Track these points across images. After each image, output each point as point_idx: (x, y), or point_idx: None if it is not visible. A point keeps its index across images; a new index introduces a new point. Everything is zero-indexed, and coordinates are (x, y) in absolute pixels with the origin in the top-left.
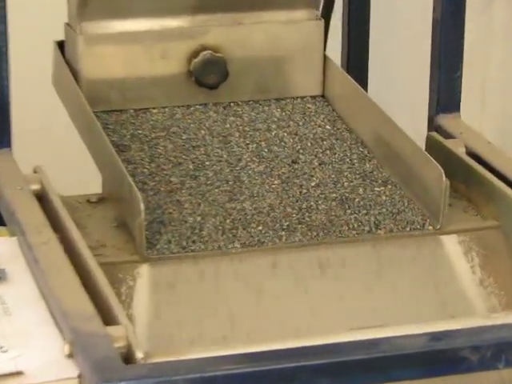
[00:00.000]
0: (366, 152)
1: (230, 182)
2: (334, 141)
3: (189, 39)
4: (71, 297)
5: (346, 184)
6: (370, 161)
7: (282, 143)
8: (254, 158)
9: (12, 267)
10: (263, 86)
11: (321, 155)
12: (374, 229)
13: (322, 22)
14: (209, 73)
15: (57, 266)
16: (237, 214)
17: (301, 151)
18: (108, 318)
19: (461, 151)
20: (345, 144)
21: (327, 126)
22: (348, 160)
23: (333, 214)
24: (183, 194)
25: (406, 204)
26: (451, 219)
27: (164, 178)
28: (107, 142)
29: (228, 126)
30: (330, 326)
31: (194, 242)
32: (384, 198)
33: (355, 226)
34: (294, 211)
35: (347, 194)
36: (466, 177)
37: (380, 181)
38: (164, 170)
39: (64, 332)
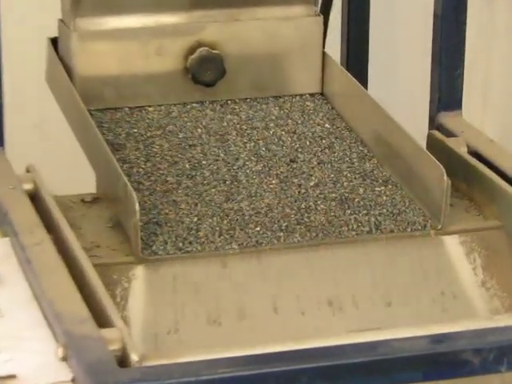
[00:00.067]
0: (366, 151)
1: (227, 182)
2: (333, 139)
3: (185, 35)
4: (65, 299)
5: (345, 184)
6: (369, 160)
7: (280, 142)
8: (252, 157)
9: (4, 268)
10: (261, 83)
11: (320, 154)
12: (374, 230)
13: (320, 18)
14: (205, 70)
15: (50, 267)
16: (234, 214)
17: (299, 150)
18: (102, 321)
19: (462, 150)
20: (344, 143)
21: (326, 125)
22: (347, 159)
23: (332, 214)
24: (179, 193)
25: (407, 204)
26: (453, 219)
27: (160, 177)
28: (102, 141)
29: (225, 124)
30: (328, 328)
31: (190, 243)
32: (384, 198)
33: (355, 226)
34: (293, 211)
35: (347, 194)
36: (468, 176)
37: (380, 180)
38: (160, 169)
39: (57, 335)
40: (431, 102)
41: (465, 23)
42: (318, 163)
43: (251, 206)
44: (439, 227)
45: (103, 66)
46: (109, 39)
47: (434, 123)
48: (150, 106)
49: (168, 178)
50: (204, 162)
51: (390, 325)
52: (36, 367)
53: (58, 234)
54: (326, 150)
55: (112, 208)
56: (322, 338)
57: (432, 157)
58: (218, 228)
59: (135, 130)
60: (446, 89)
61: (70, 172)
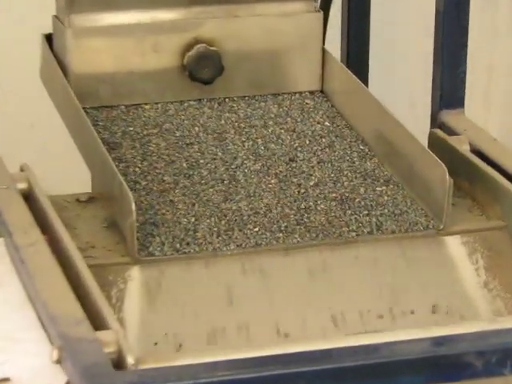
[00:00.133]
0: (367, 150)
1: (226, 181)
2: (333, 138)
3: (182, 32)
4: (59, 300)
5: (346, 183)
6: (370, 159)
7: (280, 140)
8: (250, 156)
9: None
10: (260, 80)
11: (320, 153)
12: (375, 230)
13: (320, 14)
14: (203, 67)
15: (44, 268)
16: (232, 214)
17: (299, 149)
18: (98, 323)
19: (465, 148)
20: (345, 141)
21: (326, 123)
22: (348, 158)
23: (332, 214)
24: (176, 193)
25: (408, 204)
26: (455, 219)
27: (156, 176)
28: (97, 140)
29: (223, 122)
30: (327, 331)
31: (188, 244)
32: (386, 198)
33: (356, 227)
34: (292, 212)
35: (347, 194)
36: (471, 175)
37: (381, 180)
38: (156, 168)
39: (52, 337)
40: (433, 99)
41: (467, 20)
42: (318, 162)
43: (250, 206)
44: (441, 227)
45: (98, 63)
46: (104, 36)
47: (435, 121)
48: (146, 104)
49: (165, 178)
50: (201, 161)
51: (391, 327)
52: (30, 370)
53: (53, 235)
54: (326, 149)
55: (108, 208)
56: (322, 340)
57: (434, 156)
58: (215, 229)
59: (131, 129)
60: (449, 86)
61: (65, 171)
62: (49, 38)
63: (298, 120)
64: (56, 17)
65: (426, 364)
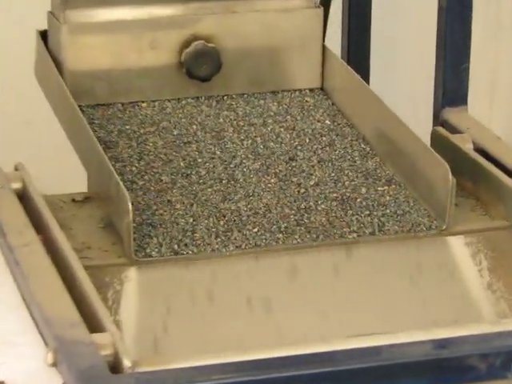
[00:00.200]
0: (368, 149)
1: (224, 181)
2: (333, 137)
3: (179, 28)
4: (54, 302)
5: (346, 183)
6: (372, 158)
7: (279, 139)
8: (249, 155)
9: None
10: (258, 78)
11: (320, 152)
12: (377, 231)
13: (320, 10)
14: (201, 64)
15: (39, 269)
16: (231, 215)
17: (299, 148)
18: (94, 325)
19: (468, 147)
20: (345, 140)
21: (327, 121)
22: (349, 157)
23: (333, 215)
24: (174, 193)
25: (411, 204)
26: (458, 219)
27: (154, 176)
28: (93, 138)
29: (221, 120)
30: (328, 333)
31: (186, 245)
32: (388, 198)
33: (357, 228)
34: (292, 212)
35: (348, 194)
36: (474, 174)
37: (383, 180)
38: (154, 167)
39: (47, 339)
40: (435, 97)
41: (470, 16)
42: (319, 161)
43: (249, 206)
44: (444, 227)
45: (94, 60)
46: (100, 32)
47: (438, 119)
48: (143, 102)
49: (162, 177)
50: (200, 160)
51: (393, 328)
52: (25, 373)
53: (48, 235)
54: (327, 148)
55: (104, 208)
56: (322, 342)
57: (436, 154)
58: (214, 229)
59: (128, 127)
60: (451, 84)
61: (60, 170)
62: (44, 35)
63: (298, 118)
64: (51, 13)
65: (428, 367)
